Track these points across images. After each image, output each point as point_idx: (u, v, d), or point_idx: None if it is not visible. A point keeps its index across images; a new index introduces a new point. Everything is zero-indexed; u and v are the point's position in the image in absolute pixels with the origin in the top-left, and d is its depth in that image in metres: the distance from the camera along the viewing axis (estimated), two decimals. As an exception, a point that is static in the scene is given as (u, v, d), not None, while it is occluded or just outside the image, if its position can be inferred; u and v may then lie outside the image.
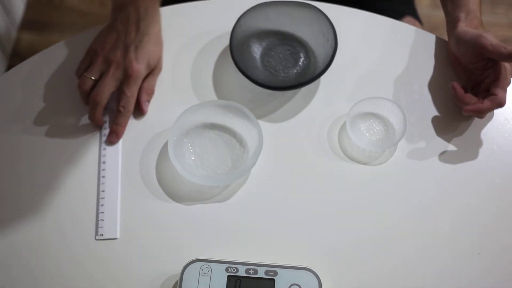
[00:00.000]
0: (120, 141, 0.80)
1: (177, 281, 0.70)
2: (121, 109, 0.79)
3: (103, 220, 0.75)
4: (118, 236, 0.74)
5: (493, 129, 0.81)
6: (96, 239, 0.74)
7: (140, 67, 0.79)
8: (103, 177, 0.78)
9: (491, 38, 0.76)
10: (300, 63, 0.85)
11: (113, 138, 0.80)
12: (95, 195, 0.77)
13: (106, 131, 0.80)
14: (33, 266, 0.73)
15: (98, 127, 0.81)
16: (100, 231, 0.75)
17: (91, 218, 0.75)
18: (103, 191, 0.77)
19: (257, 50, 0.86)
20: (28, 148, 0.80)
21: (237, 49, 0.82)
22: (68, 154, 0.79)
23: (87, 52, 0.83)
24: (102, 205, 0.76)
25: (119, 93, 0.80)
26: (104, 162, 0.79)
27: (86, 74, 0.80)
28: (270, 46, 0.86)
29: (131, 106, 0.80)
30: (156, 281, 0.71)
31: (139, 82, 0.80)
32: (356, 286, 0.72)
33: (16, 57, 1.61)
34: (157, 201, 0.76)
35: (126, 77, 0.79)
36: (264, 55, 0.86)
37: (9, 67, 1.57)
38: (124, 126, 0.80)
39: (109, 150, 0.79)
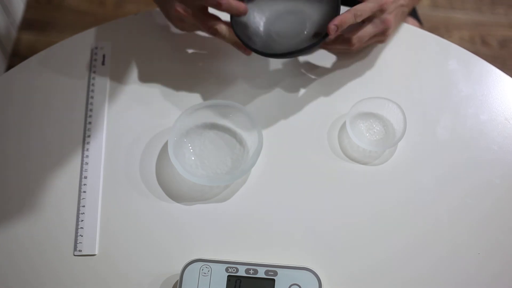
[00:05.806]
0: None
1: (177, 281, 0.71)
2: None
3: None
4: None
5: (493, 129, 0.81)
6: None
7: None
8: (84, 192, 0.77)
9: None
10: (305, 32, 0.82)
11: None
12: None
13: (89, 146, 0.80)
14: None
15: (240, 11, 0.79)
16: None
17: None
18: (83, 206, 0.76)
19: (259, 19, 0.83)
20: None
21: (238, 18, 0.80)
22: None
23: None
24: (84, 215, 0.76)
25: None
26: (85, 177, 0.78)
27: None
28: (275, 15, 0.83)
29: None
30: (156, 281, 0.71)
31: None
32: (356, 286, 0.72)
33: (16, 57, 1.61)
34: (157, 201, 0.76)
35: None
36: (267, 23, 0.83)
37: (9, 67, 1.57)
38: None
39: (91, 165, 0.78)
